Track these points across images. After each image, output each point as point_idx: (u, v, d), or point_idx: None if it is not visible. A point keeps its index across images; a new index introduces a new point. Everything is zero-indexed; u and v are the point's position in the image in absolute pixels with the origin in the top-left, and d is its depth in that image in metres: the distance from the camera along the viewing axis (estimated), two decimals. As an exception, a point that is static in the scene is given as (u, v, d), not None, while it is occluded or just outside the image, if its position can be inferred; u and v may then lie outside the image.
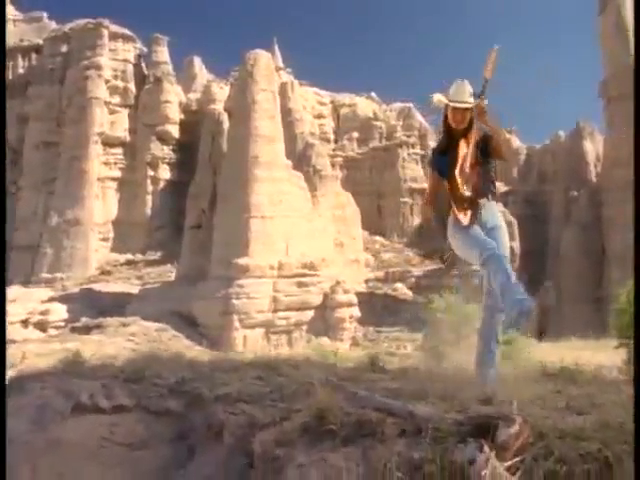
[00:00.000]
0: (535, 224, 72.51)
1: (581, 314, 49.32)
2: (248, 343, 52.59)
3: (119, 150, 78.37)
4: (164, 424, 4.38)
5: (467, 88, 4.60)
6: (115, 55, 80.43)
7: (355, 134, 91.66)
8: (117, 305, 58.94)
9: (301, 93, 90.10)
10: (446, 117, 4.70)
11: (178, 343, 46.97)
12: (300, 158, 72.04)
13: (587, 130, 78.96)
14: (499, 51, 4.50)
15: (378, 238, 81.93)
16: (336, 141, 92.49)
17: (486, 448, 2.48)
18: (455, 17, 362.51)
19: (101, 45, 79.10)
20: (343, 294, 58.50)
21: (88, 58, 77.93)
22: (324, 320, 57.02)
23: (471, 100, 4.58)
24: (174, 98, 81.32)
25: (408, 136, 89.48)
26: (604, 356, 10.04)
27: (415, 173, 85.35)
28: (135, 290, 64.09)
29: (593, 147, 77.39)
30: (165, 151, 79.37)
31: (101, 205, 75.17)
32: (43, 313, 58.93)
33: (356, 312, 58.87)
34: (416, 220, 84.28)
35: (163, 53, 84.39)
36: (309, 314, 57.37)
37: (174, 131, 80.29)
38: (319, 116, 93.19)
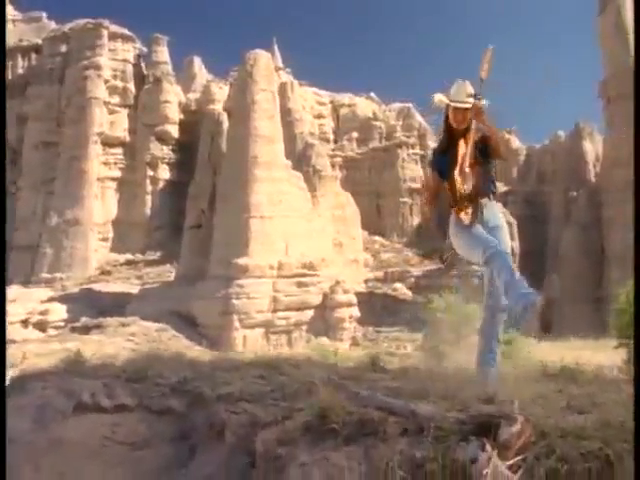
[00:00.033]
0: (534, 224, 72.55)
1: (581, 314, 49.38)
2: (248, 343, 52.61)
3: (119, 150, 78.39)
4: (166, 423, 4.39)
5: (468, 88, 4.62)
6: (114, 55, 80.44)
7: (355, 134, 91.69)
8: (117, 305, 58.95)
9: (301, 93, 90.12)
10: (447, 117, 4.71)
11: (178, 343, 46.97)
12: (300, 158, 72.06)
13: (586, 130, 79.01)
14: (494, 51, 4.52)
15: (377, 238, 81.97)
16: (335, 141, 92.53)
17: (488, 447, 2.49)
18: (455, 17, 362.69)
19: (100, 45, 79.10)
20: (343, 294, 58.53)
21: (87, 58, 77.94)
22: (324, 320, 57.05)
23: (472, 100, 4.59)
24: (174, 98, 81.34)
25: (407, 136, 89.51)
26: (604, 356, 10.06)
27: (414, 173, 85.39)
28: (135, 290, 64.10)
29: (592, 147, 77.44)
30: (165, 151, 79.40)
31: (101, 205, 75.19)
32: (43, 313, 58.93)
33: (356, 312, 58.90)
34: (415, 220, 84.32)
35: (163, 53, 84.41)
36: (309, 314, 57.40)
37: (174, 131, 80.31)
38: (319, 116, 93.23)
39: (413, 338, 42.25)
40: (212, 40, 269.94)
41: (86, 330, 53.31)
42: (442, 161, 4.70)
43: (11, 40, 79.27)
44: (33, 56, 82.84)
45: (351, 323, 58.44)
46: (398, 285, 68.75)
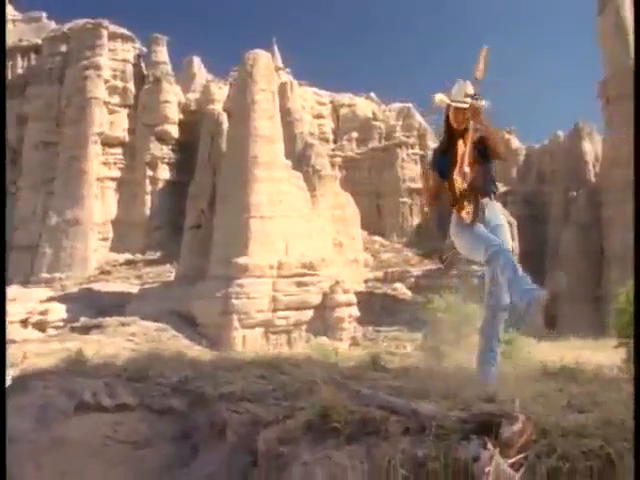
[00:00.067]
0: (534, 224, 72.58)
1: (580, 314, 49.41)
2: (247, 343, 52.63)
3: (118, 150, 78.37)
4: (167, 423, 4.40)
5: (467, 88, 4.62)
6: (114, 55, 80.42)
7: (354, 134, 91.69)
8: (116, 305, 58.95)
9: (300, 93, 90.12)
10: (447, 117, 4.72)
11: (178, 343, 46.97)
12: (299, 158, 72.07)
13: (586, 130, 79.02)
14: (489, 51, 4.53)
15: (377, 238, 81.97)
16: (335, 141, 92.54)
17: (490, 445, 2.50)
18: (455, 17, 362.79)
19: (100, 45, 79.08)
20: (342, 294, 58.55)
21: (87, 58, 77.92)
22: (323, 320, 57.06)
23: (469, 100, 4.60)
24: (173, 98, 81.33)
25: (407, 136, 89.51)
26: (604, 355, 10.07)
27: (414, 173, 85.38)
28: (134, 290, 64.11)
29: (592, 147, 77.45)
30: (164, 151, 79.39)
31: (100, 205, 75.17)
32: (42, 313, 58.92)
33: (355, 312, 58.92)
34: (415, 220, 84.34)
35: (162, 53, 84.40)
36: (308, 314, 57.42)
37: (173, 131, 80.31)
38: (318, 116, 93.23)
39: (413, 338, 42.27)
40: (212, 40, 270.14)
41: (86, 330, 53.32)
42: (442, 161, 4.71)
43: (11, 40, 79.21)
44: (33, 56, 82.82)
45: (351, 323, 58.47)
46: (398, 285, 68.78)
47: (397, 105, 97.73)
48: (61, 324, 57.64)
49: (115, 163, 77.90)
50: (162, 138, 79.23)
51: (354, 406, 3.14)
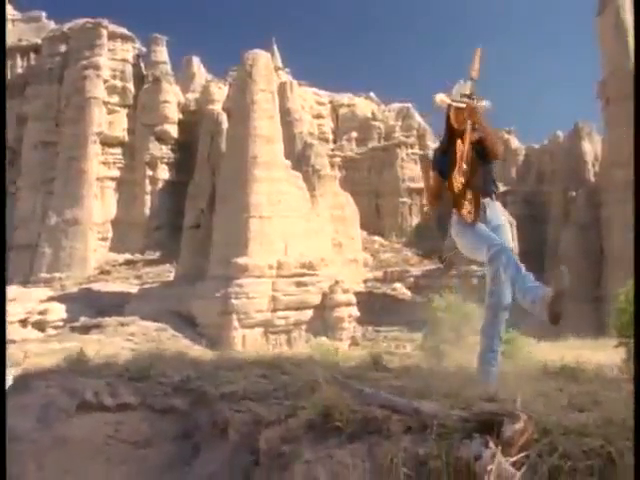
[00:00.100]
0: (534, 224, 72.64)
1: (580, 314, 49.38)
2: (247, 343, 52.66)
3: (118, 150, 78.39)
4: (169, 422, 4.41)
5: (467, 88, 4.63)
6: (114, 55, 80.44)
7: (354, 134, 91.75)
8: (116, 305, 58.97)
9: (300, 93, 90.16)
10: (448, 117, 4.73)
11: (177, 343, 46.99)
12: (299, 158, 72.10)
13: (585, 130, 79.08)
14: (484, 51, 4.53)
15: (377, 238, 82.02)
16: (335, 141, 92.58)
17: (492, 444, 2.51)
18: (455, 17, 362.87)
19: (100, 45, 79.09)
20: (342, 294, 58.59)
21: (87, 58, 77.93)
22: (323, 320, 57.09)
23: (466, 100, 4.61)
24: (173, 98, 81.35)
25: (407, 136, 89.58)
26: (603, 355, 10.10)
27: (414, 173, 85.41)
28: (134, 290, 64.12)
29: (591, 147, 77.51)
30: (164, 151, 79.41)
31: (100, 205, 75.19)
32: (42, 313, 58.93)
33: (355, 312, 58.96)
34: (415, 220, 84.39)
35: (162, 53, 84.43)
36: (308, 314, 57.45)
37: (173, 131, 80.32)
38: (318, 116, 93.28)
39: (412, 338, 42.29)
40: (211, 40, 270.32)
41: (85, 330, 53.35)
42: (443, 161, 4.72)
43: (10, 40, 79.20)
44: (32, 56, 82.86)
45: (350, 323, 58.51)
46: (397, 285, 68.82)
47: (396, 105, 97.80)
48: (60, 324, 57.66)
49: (114, 163, 77.92)
50: (161, 138, 79.25)
51: (356, 405, 3.16)
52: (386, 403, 3.08)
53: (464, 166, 4.49)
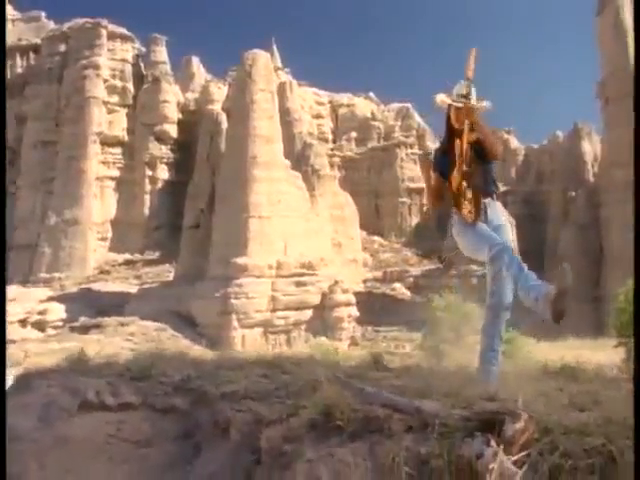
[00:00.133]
0: (533, 224, 72.70)
1: (579, 313, 49.42)
2: (247, 342, 52.67)
3: (117, 150, 78.38)
4: (170, 421, 4.42)
5: (463, 88, 4.63)
6: (113, 55, 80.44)
7: (353, 134, 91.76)
8: (115, 305, 58.96)
9: (299, 93, 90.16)
10: (449, 117, 4.73)
11: (177, 343, 46.98)
12: (298, 158, 72.11)
13: (585, 130, 79.15)
14: (478, 52, 4.54)
15: (376, 238, 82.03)
16: (334, 141, 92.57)
17: (493, 443, 2.52)
18: (455, 17, 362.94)
19: (99, 45, 79.10)
20: (341, 294, 58.59)
21: (86, 58, 77.93)
22: (322, 320, 57.10)
23: (474, 101, 4.62)
24: (172, 98, 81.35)
25: (406, 136, 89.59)
26: (603, 355, 10.11)
27: (413, 173, 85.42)
28: (133, 290, 64.11)
29: (591, 147, 77.57)
30: (163, 151, 79.40)
31: (99, 205, 75.17)
32: (41, 313, 58.91)
33: (354, 312, 58.96)
34: (414, 220, 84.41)
35: (161, 53, 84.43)
36: (307, 314, 57.46)
37: (172, 131, 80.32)
38: (317, 116, 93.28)
39: (412, 338, 42.29)
40: (211, 40, 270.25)
41: (85, 330, 53.33)
42: (443, 162, 4.72)
43: (10, 39, 79.16)
44: (32, 56, 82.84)
45: (350, 323, 58.51)
46: (397, 285, 68.83)
47: (396, 105, 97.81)
48: (60, 324, 57.65)
49: (114, 163, 77.91)
50: (161, 138, 79.25)
51: (357, 404, 3.17)
52: (387, 402, 3.09)
53: (463, 166, 4.50)
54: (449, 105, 4.66)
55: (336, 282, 59.09)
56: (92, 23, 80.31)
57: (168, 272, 69.13)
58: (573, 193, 70.37)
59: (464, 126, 4.56)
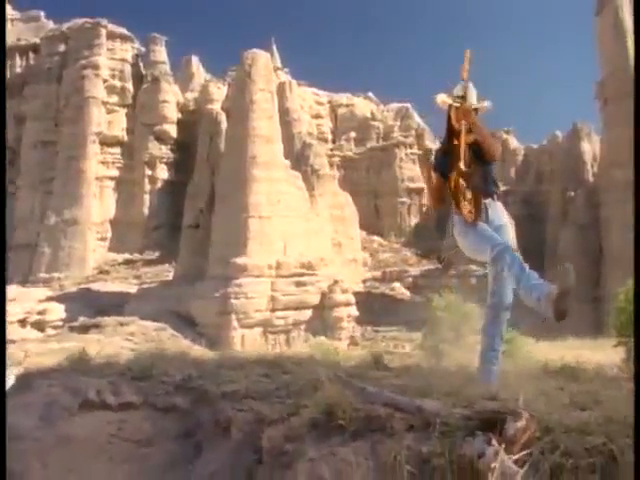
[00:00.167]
0: (532, 224, 72.68)
1: (579, 314, 49.44)
2: (246, 342, 52.66)
3: (117, 149, 78.35)
4: (171, 421, 4.43)
5: (472, 89, 4.64)
6: (113, 54, 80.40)
7: (353, 134, 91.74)
8: (115, 305, 58.93)
9: (299, 93, 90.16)
10: (449, 118, 4.73)
11: (177, 343, 46.95)
12: (298, 158, 72.09)
13: (584, 131, 79.14)
14: (472, 53, 4.55)
15: (376, 238, 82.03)
16: (334, 141, 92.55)
17: (494, 442, 2.53)
18: (455, 17, 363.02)
19: (99, 45, 79.06)
20: (341, 294, 58.58)
21: (86, 57, 77.90)
22: (322, 319, 57.10)
23: (475, 101, 4.63)
24: (172, 98, 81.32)
25: (405, 136, 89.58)
26: (603, 355, 10.13)
27: (412, 173, 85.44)
28: (133, 290, 64.09)
29: (590, 147, 77.57)
30: (163, 151, 79.37)
31: (99, 204, 75.14)
32: (41, 313, 58.88)
33: (354, 312, 58.97)
34: (413, 220, 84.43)
35: (161, 53, 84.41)
36: (307, 313, 57.45)
37: (172, 131, 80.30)
38: (317, 116, 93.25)
39: (411, 337, 42.32)
40: (210, 40, 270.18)
41: (84, 330, 53.29)
42: (444, 162, 4.73)
43: (9, 39, 79.08)
44: (31, 55, 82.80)
45: (349, 323, 58.51)
46: (396, 285, 68.84)
47: (395, 105, 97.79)
48: (60, 324, 57.62)
49: (113, 162, 77.88)
50: (160, 138, 79.22)
51: (359, 403, 3.17)
52: (389, 401, 3.09)
53: (462, 167, 4.50)
54: (450, 105, 4.66)
55: (335, 282, 59.09)
56: (91, 23, 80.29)
57: (168, 272, 69.11)
58: (572, 193, 70.38)
59: (462, 127, 4.56)
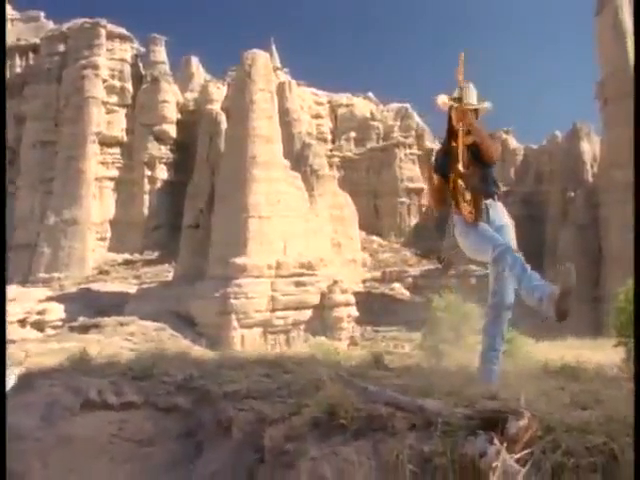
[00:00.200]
0: (532, 224, 72.63)
1: (579, 314, 49.49)
2: (246, 342, 52.65)
3: (116, 150, 78.33)
4: (172, 420, 4.43)
5: (473, 90, 4.64)
6: (112, 55, 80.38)
7: (352, 134, 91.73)
8: (115, 305, 58.91)
9: (299, 93, 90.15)
10: (450, 118, 4.73)
11: (176, 343, 46.94)
12: (298, 158, 72.09)
13: (584, 131, 79.15)
14: (466, 55, 4.55)
15: (375, 238, 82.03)
16: (333, 141, 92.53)
17: (496, 441, 2.54)
18: (455, 17, 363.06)
19: (98, 45, 79.05)
20: (341, 294, 58.58)
21: (85, 57, 77.88)
22: (322, 320, 57.09)
23: (475, 102, 4.63)
24: (171, 98, 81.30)
25: (405, 136, 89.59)
26: (603, 354, 10.14)
27: (412, 173, 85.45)
28: (133, 290, 64.08)
29: (590, 148, 77.58)
30: (162, 151, 79.35)
31: (98, 205, 75.12)
32: (40, 313, 58.87)
33: (354, 312, 58.97)
34: (413, 220, 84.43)
35: (160, 53, 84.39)
36: (307, 314, 57.44)
37: (171, 131, 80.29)
38: (317, 116, 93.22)
39: (411, 338, 42.33)
40: (210, 40, 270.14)
41: (84, 330, 53.28)
42: (444, 163, 4.73)
43: (9, 39, 79.07)
44: (31, 55, 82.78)
45: (349, 323, 58.51)
46: (396, 285, 68.85)
47: (395, 105, 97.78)
48: (59, 324, 57.61)
49: (113, 163, 77.86)
50: (160, 138, 79.21)
51: (360, 403, 3.18)
52: (391, 401, 3.10)
53: (460, 168, 4.51)
54: (450, 106, 4.67)
55: (335, 282, 59.09)
56: (91, 23, 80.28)
57: (167, 272, 69.11)
58: (572, 193, 70.40)
59: (459, 128, 4.57)
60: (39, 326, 57.25)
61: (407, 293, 66.52)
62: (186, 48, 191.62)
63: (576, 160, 76.15)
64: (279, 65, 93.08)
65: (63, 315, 58.97)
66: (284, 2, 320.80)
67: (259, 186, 59.72)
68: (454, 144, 4.56)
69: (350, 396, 3.24)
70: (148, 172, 77.90)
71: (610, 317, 11.50)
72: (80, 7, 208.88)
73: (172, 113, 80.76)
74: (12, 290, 61.06)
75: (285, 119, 75.33)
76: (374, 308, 61.99)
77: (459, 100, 4.56)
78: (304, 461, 2.95)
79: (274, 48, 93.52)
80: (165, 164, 79.19)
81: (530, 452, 2.61)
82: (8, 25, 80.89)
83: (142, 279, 68.26)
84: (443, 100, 4.69)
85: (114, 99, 79.27)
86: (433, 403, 3.06)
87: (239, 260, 56.68)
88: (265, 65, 65.78)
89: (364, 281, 70.09)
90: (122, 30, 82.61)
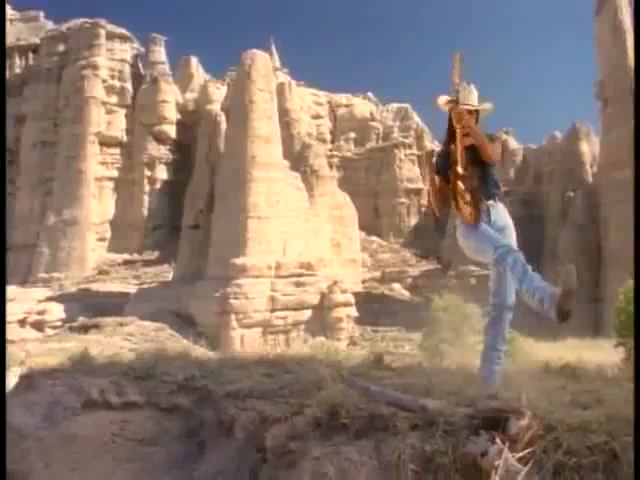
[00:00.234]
0: (531, 224, 72.65)
1: (578, 314, 49.50)
2: (246, 343, 52.60)
3: (116, 150, 78.29)
4: (174, 420, 4.45)
5: (474, 91, 4.65)
6: (112, 55, 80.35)
7: (352, 134, 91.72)
8: (114, 305, 58.88)
9: (298, 93, 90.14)
10: (450, 119, 4.73)
11: (176, 343, 46.91)
12: (297, 158, 72.08)
13: (583, 131, 79.15)
14: (462, 56, 4.55)
15: (375, 238, 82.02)
16: (333, 141, 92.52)
17: (498, 440, 2.55)
18: (455, 17, 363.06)
19: (98, 45, 79.03)
20: (340, 294, 58.55)
21: (85, 58, 77.85)
22: (321, 320, 57.07)
23: (476, 103, 4.64)
24: (171, 98, 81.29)
25: (405, 137, 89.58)
26: (603, 355, 10.13)
27: (412, 173, 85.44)
28: (132, 290, 64.05)
29: (589, 148, 77.58)
30: (162, 151, 79.33)
31: (98, 205, 75.09)
32: (40, 313, 58.84)
33: (353, 312, 58.94)
34: (413, 220, 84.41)
35: (160, 53, 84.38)
36: (306, 314, 57.43)
37: (171, 131, 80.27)
38: (316, 116, 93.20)
39: (410, 338, 42.33)
40: (209, 40, 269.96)
41: (84, 330, 53.26)
42: (445, 165, 4.73)
43: (9, 39, 79.08)
44: (31, 55, 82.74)
45: (349, 323, 58.48)
46: (395, 285, 68.84)
47: (395, 105, 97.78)
48: (59, 324, 57.58)
49: (113, 163, 77.83)
50: (160, 138, 79.18)
51: (362, 402, 3.19)
52: (392, 400, 3.11)
53: (459, 170, 4.51)
54: (451, 107, 4.67)
55: (335, 282, 59.07)
56: (91, 23, 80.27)
57: (167, 272, 69.11)
58: (571, 193, 70.41)
59: (457, 129, 4.57)
60: (39, 326, 57.22)
61: (407, 293, 66.51)
62: (186, 48, 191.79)
63: (576, 160, 76.18)
64: (279, 65, 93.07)
65: (63, 315, 58.95)
66: (284, 2, 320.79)
67: (259, 186, 59.71)
68: (453, 145, 4.57)
69: (352, 396, 3.25)
70: (148, 172, 77.89)
71: (610, 317, 11.49)
72: (80, 7, 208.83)
73: (172, 113, 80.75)
74: (12, 290, 61.05)
75: (285, 119, 75.35)
76: (374, 308, 61.97)
77: (456, 102, 4.56)
78: (306, 461, 2.96)
79: (274, 48, 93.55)
80: (165, 164, 79.18)
81: (531, 451, 2.62)
82: (8, 25, 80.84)
83: (142, 279, 68.25)
84: (443, 101, 4.70)
85: (114, 99, 79.24)
86: (435, 403, 3.07)
87: (239, 260, 56.67)
88: (265, 65, 65.77)
89: (364, 281, 70.07)
90: (122, 30, 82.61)
